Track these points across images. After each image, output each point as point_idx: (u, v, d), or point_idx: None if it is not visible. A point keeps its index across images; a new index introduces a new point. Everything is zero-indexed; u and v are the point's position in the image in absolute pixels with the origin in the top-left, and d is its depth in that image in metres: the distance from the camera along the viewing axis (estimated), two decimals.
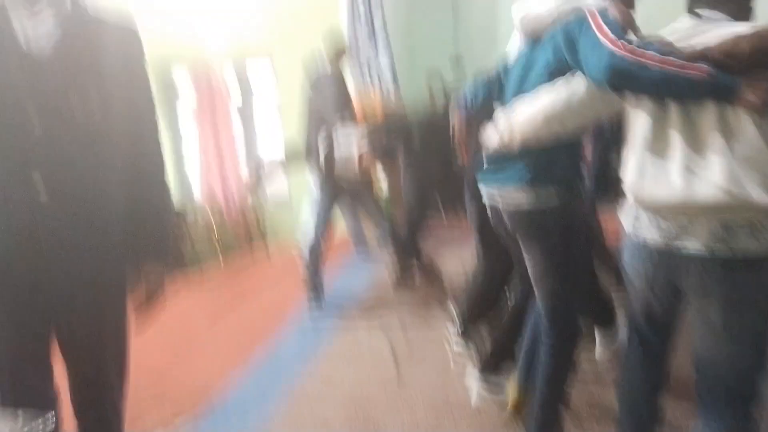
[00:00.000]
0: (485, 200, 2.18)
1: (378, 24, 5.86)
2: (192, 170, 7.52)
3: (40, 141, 1.43)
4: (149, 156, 1.71)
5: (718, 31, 1.50)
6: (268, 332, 3.85)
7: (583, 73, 1.65)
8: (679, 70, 1.40)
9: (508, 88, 2.09)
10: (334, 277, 4.80)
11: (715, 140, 1.45)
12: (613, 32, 1.53)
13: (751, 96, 1.36)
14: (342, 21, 5.98)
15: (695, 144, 1.49)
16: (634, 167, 1.64)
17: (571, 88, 1.74)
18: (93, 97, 1.49)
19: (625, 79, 1.46)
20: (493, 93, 2.24)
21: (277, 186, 7.29)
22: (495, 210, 2.14)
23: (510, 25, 6.69)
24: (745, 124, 1.42)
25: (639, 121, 1.65)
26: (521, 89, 1.97)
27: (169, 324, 3.94)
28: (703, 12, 1.60)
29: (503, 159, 1.99)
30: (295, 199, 7.31)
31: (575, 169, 1.95)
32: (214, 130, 7.11)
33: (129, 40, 1.62)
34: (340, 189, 4.07)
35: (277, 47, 7.04)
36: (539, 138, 1.85)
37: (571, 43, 1.70)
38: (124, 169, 1.61)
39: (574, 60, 1.70)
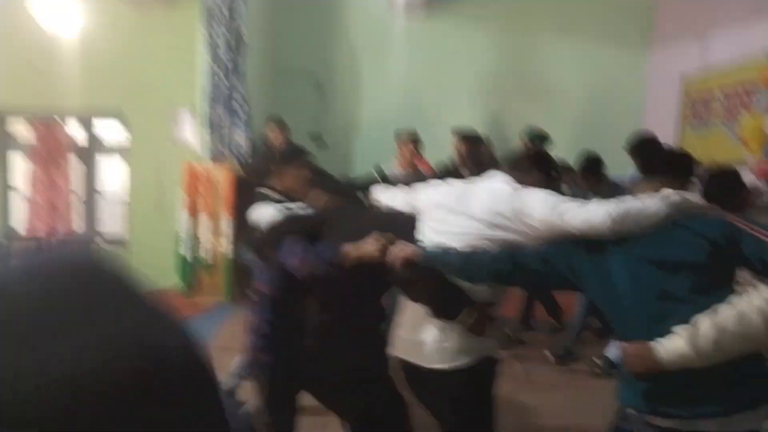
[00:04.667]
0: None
1: (238, 97, 5.82)
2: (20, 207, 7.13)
3: None
4: None
5: None
6: None
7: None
8: None
9: (615, 293, 1.73)
10: None
11: None
12: None
13: None
14: (200, 89, 5.87)
15: None
16: None
17: (762, 302, 1.50)
18: None
19: None
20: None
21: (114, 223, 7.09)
22: None
23: (372, 114, 6.92)
24: None
25: None
26: (663, 294, 1.65)
27: None
28: None
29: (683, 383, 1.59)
30: (135, 239, 6.93)
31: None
32: (47, 170, 6.96)
33: None
34: None
35: (129, 105, 6.88)
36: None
37: (734, 248, 1.62)
38: None
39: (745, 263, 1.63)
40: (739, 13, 5.50)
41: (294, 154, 2.87)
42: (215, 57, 5.78)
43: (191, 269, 5.21)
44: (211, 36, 5.74)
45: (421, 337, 2.04)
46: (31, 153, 6.93)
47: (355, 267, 2.06)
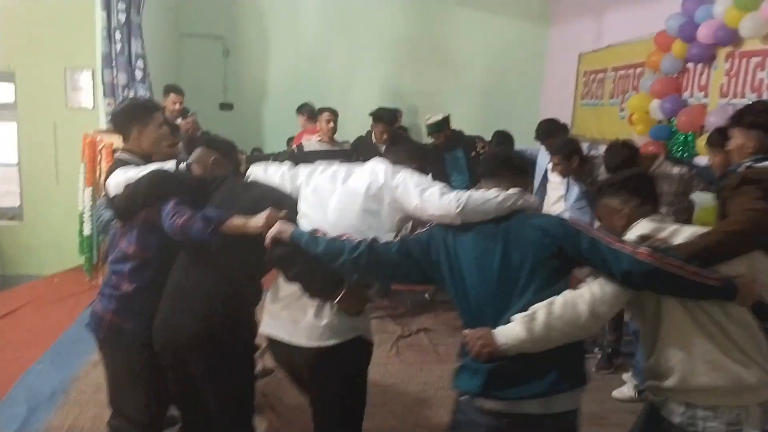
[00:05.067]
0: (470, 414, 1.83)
1: (138, 61, 5.55)
2: None
3: None
4: None
5: (680, 233, 1.88)
6: None
7: (605, 271, 1.74)
8: (702, 280, 1.70)
9: (464, 283, 1.85)
10: None
11: (737, 331, 1.77)
12: (621, 240, 1.76)
13: (746, 294, 1.73)
14: (97, 50, 5.54)
15: (724, 335, 1.77)
16: (683, 357, 1.79)
17: (590, 295, 1.73)
18: None
19: (656, 282, 1.71)
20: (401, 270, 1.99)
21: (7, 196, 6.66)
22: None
23: (283, 81, 6.78)
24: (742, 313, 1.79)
25: (671, 318, 1.83)
26: (506, 285, 1.79)
27: None
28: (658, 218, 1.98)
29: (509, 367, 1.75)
30: (33, 213, 6.59)
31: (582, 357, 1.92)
32: None
33: None
34: None
35: (21, 62, 6.39)
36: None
37: (572, 246, 1.77)
38: None
39: (583, 259, 1.78)
40: None
41: (148, 110, 2.52)
42: (111, 16, 5.45)
43: (94, 247, 5.04)
44: None
45: (294, 315, 2.08)
46: None
47: (239, 239, 2.08)
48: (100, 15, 5.42)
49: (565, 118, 6.44)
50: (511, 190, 1.88)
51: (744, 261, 1.83)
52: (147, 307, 2.26)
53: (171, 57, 6.88)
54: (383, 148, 4.46)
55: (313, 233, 1.99)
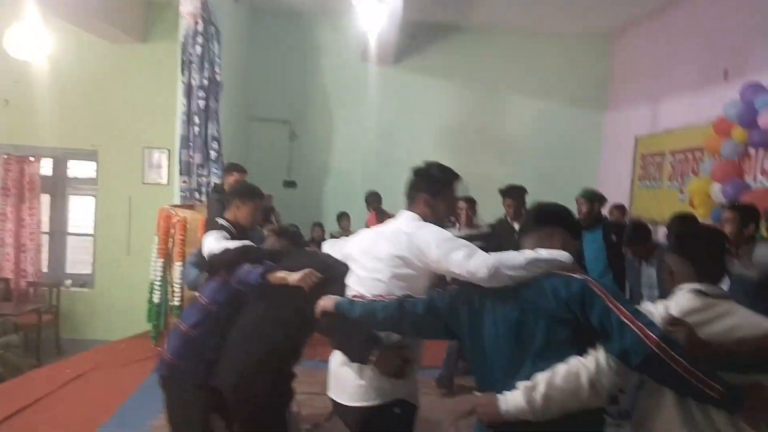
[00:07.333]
0: None
1: (213, 142, 5.92)
2: None
3: None
4: None
5: (732, 320, 1.72)
6: None
7: (607, 344, 1.63)
8: (700, 385, 1.54)
9: (482, 341, 1.84)
10: None
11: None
12: (637, 317, 1.59)
13: (755, 409, 1.58)
14: (176, 132, 5.97)
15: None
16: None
17: (594, 366, 1.63)
18: None
19: (651, 370, 1.59)
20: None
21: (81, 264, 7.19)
22: None
23: (342, 162, 7.03)
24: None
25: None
26: (518, 344, 1.75)
27: None
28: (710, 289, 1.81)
29: None
30: (101, 280, 6.98)
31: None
32: (16, 209, 7.08)
33: None
34: None
35: (103, 142, 6.96)
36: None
37: (583, 311, 1.66)
38: None
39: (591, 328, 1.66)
40: (687, 83, 5.94)
41: (251, 193, 3.15)
42: (192, 102, 5.88)
43: (162, 315, 5.23)
44: (187, 80, 5.84)
45: (342, 374, 2.21)
46: (1, 191, 6.88)
47: (285, 296, 2.44)
48: (180, 101, 5.86)
49: (622, 199, 6.46)
50: (543, 254, 1.79)
51: None
52: (200, 352, 2.65)
53: (240, 138, 7.31)
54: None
55: (353, 299, 2.14)
